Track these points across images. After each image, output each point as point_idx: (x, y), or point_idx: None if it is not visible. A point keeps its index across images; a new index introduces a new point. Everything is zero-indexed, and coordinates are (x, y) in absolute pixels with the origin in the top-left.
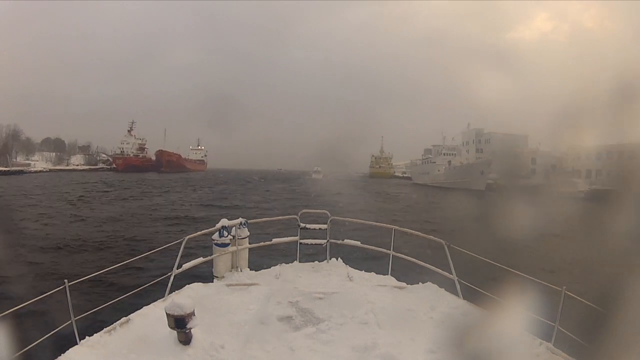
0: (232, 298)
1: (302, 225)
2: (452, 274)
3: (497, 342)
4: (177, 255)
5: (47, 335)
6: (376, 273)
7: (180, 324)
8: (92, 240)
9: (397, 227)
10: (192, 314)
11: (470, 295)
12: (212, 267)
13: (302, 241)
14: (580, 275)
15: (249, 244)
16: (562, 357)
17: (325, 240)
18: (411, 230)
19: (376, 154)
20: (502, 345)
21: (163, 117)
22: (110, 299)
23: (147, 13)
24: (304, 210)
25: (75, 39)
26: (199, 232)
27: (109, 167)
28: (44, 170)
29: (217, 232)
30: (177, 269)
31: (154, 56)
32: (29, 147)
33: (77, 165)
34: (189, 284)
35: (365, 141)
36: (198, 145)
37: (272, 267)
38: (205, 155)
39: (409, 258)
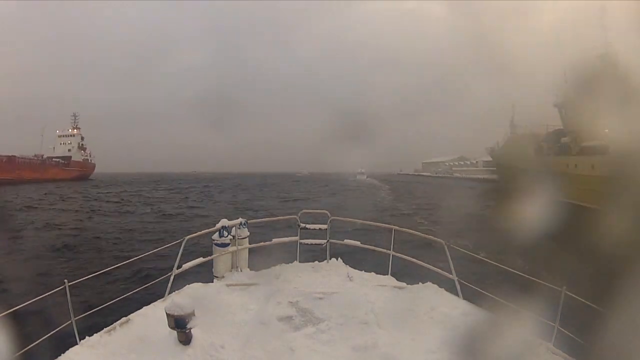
0: (232, 298)
1: (302, 225)
2: (452, 274)
3: (497, 342)
4: (177, 255)
5: (47, 335)
6: (376, 273)
7: (180, 324)
8: None
9: (397, 227)
10: (192, 314)
11: (470, 295)
12: (212, 267)
13: (302, 241)
14: None
15: (249, 244)
16: (562, 357)
17: (325, 240)
18: (411, 230)
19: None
20: (502, 345)
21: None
22: (110, 299)
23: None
24: (304, 210)
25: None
26: (199, 232)
27: None
28: None
29: (217, 232)
30: (177, 269)
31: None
32: None
33: None
34: (189, 284)
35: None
36: (73, 127)
37: (272, 267)
38: (83, 147)
39: (409, 258)
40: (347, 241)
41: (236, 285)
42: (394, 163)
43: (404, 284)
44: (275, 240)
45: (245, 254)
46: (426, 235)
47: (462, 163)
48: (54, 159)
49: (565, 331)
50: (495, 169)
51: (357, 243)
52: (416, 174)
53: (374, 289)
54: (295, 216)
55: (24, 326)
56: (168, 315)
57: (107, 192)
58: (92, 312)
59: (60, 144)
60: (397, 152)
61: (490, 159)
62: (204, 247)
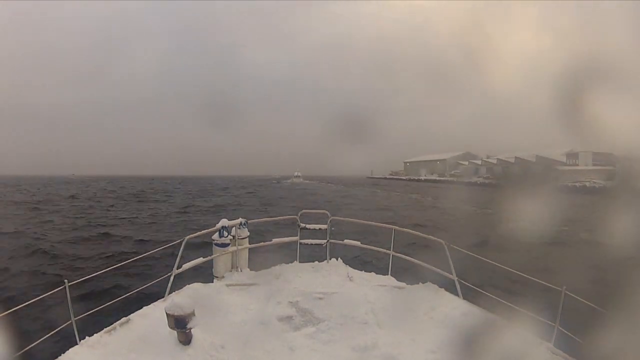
0: (232, 298)
1: (302, 225)
2: (452, 274)
3: (497, 342)
4: (177, 255)
5: (47, 335)
6: (376, 273)
7: (180, 324)
8: None
9: (397, 227)
10: (192, 314)
11: (470, 295)
12: (212, 267)
13: (302, 241)
14: None
15: (249, 244)
16: (562, 357)
17: (325, 240)
18: (411, 230)
19: None
20: (502, 345)
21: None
22: (110, 299)
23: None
24: (304, 210)
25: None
26: (199, 232)
27: None
28: None
29: (217, 232)
30: (177, 269)
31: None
32: None
33: None
34: (189, 284)
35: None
36: None
37: (272, 267)
38: None
39: (409, 258)
40: (347, 241)
41: (236, 285)
42: (363, 164)
43: (404, 284)
44: (275, 240)
45: (245, 254)
46: (426, 236)
47: (468, 163)
48: None
49: (566, 331)
50: None
51: (357, 243)
52: (394, 177)
53: (374, 289)
54: (295, 216)
55: (24, 326)
56: (168, 315)
57: None
58: (92, 312)
59: None
60: (366, 153)
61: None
62: (204, 247)
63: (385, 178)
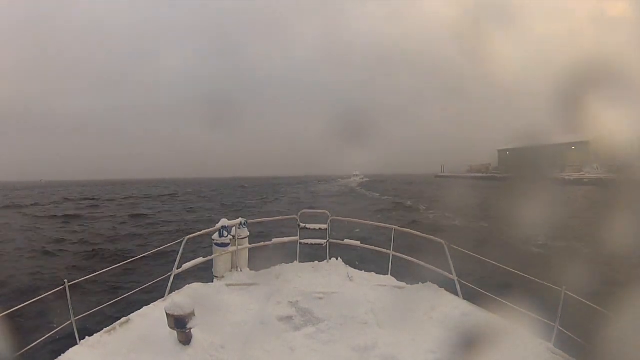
0: (232, 298)
1: (302, 225)
2: (452, 274)
3: (497, 342)
4: (177, 255)
5: (47, 335)
6: (376, 273)
7: (180, 324)
8: None
9: (397, 227)
10: (192, 314)
11: (470, 295)
12: (212, 267)
13: (302, 241)
14: None
15: (249, 244)
16: (562, 357)
17: (325, 240)
18: (411, 230)
19: None
20: (502, 345)
21: None
22: (110, 299)
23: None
24: (304, 210)
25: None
26: (199, 232)
27: None
28: None
29: (217, 232)
30: (177, 269)
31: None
32: None
33: None
34: (189, 284)
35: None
36: None
37: (272, 267)
38: None
39: (409, 258)
40: (347, 241)
41: (236, 285)
42: (431, 160)
43: (403, 284)
44: (275, 240)
45: (245, 254)
46: (426, 235)
47: None
48: None
49: (566, 331)
50: None
51: (357, 243)
52: (477, 174)
53: (374, 289)
54: (295, 216)
55: (24, 326)
56: (168, 315)
57: None
58: (92, 312)
59: None
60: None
61: None
62: (204, 247)
63: (462, 177)
